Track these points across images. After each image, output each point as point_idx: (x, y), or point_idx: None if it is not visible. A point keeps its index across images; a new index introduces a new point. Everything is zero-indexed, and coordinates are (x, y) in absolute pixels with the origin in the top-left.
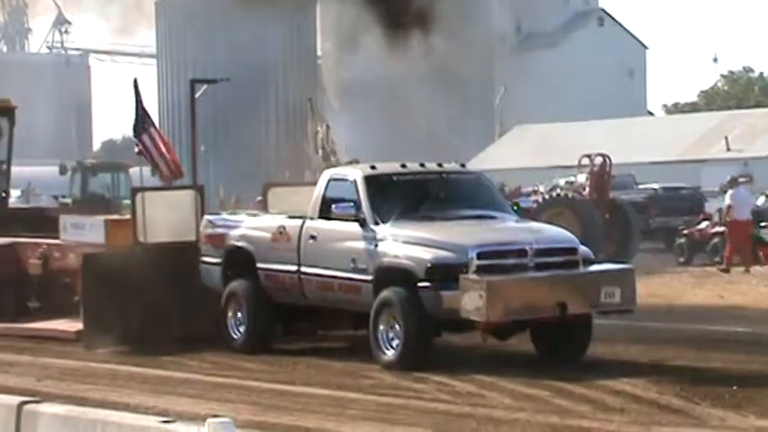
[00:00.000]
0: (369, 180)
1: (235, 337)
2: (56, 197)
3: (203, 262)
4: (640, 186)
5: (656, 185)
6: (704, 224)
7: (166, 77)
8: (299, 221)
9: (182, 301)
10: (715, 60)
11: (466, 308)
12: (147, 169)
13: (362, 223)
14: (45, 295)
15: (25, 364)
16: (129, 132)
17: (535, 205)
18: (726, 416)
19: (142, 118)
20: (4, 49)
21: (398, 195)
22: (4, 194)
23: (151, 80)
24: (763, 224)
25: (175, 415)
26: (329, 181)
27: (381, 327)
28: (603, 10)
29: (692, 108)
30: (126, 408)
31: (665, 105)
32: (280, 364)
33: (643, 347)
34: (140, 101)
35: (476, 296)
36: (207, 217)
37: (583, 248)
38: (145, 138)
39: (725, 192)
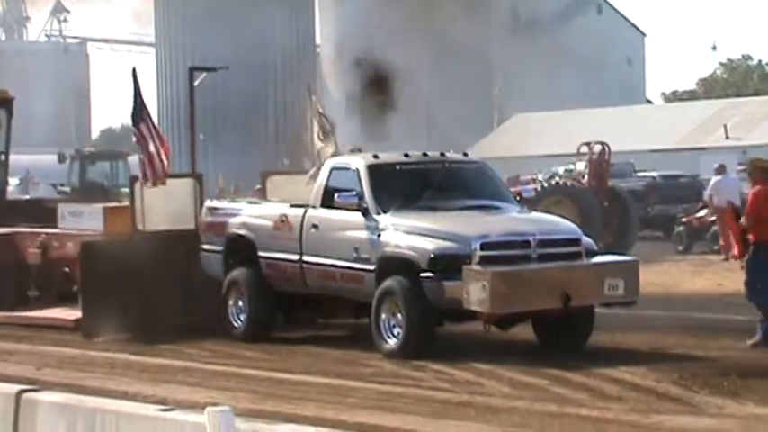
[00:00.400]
0: (371, 169)
1: (236, 325)
2: (54, 185)
3: (204, 250)
4: (639, 174)
5: (654, 173)
6: (703, 212)
7: (165, 66)
8: (302, 210)
9: (180, 290)
10: (714, 48)
11: (469, 299)
12: None
13: (365, 212)
14: (44, 284)
15: (24, 353)
16: (128, 121)
17: (534, 194)
18: (724, 404)
19: (140, 108)
20: (3, 37)
21: (401, 185)
22: (2, 185)
23: (150, 69)
24: None
25: (174, 403)
26: (332, 170)
27: (383, 316)
28: None
29: (690, 96)
30: (124, 396)
31: (663, 93)
32: (279, 352)
33: (642, 336)
34: (139, 90)
35: (479, 287)
36: (208, 204)
37: (586, 240)
38: (143, 127)
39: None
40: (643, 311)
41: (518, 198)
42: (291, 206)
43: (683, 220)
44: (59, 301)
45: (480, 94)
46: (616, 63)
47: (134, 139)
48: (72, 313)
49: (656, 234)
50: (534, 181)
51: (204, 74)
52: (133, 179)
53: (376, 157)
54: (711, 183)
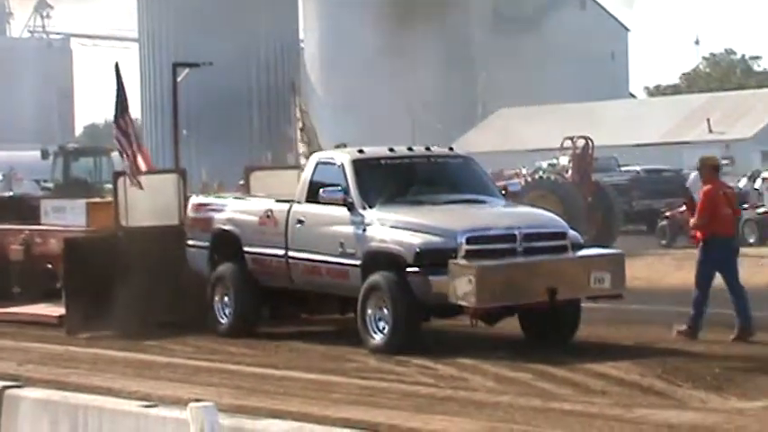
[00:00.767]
0: (357, 164)
1: (221, 321)
2: (38, 182)
3: (190, 245)
4: (623, 169)
5: (638, 168)
6: (683, 207)
7: (148, 61)
8: (287, 205)
9: (164, 285)
10: (697, 43)
11: (455, 293)
12: None
13: (350, 207)
14: (27, 281)
15: (7, 349)
16: (112, 117)
17: (519, 188)
18: (707, 398)
19: (122, 104)
20: None
21: (386, 179)
22: None
23: (133, 64)
24: (745, 206)
25: (158, 399)
26: (317, 164)
27: (369, 311)
28: None
29: (673, 90)
30: (108, 392)
31: (646, 88)
32: (263, 347)
33: (626, 330)
34: (122, 86)
35: (465, 281)
36: (193, 200)
37: (572, 233)
38: (121, 125)
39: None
40: (627, 305)
41: (504, 192)
42: (277, 201)
43: (667, 214)
44: (43, 298)
45: (464, 90)
46: (599, 58)
47: (113, 135)
48: (56, 309)
49: (640, 228)
50: (518, 176)
51: (187, 69)
52: (116, 175)
53: (361, 151)
54: (691, 177)
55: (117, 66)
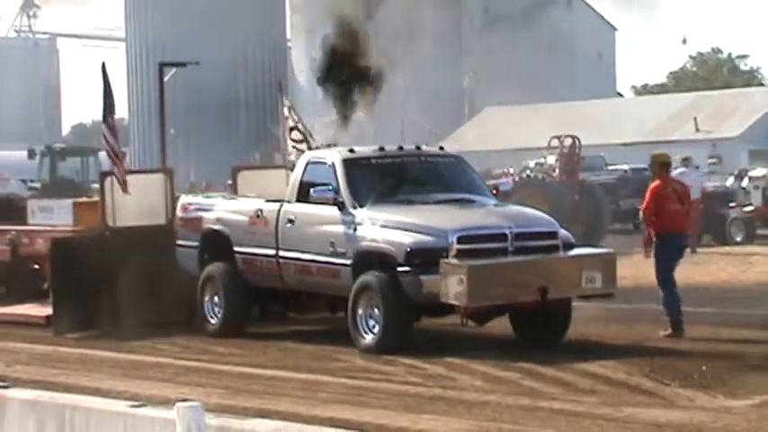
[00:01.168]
0: (347, 163)
1: (211, 321)
2: (24, 181)
3: (180, 246)
4: (610, 168)
5: (625, 167)
6: None
7: (135, 61)
8: (277, 205)
9: (152, 285)
10: (684, 42)
11: (446, 293)
12: None
13: (341, 207)
14: (14, 281)
15: None
16: (99, 117)
17: (510, 187)
18: (695, 396)
19: (109, 105)
20: None
21: (377, 178)
22: None
23: (120, 64)
24: (732, 204)
25: (145, 399)
26: (307, 164)
27: (360, 311)
28: None
29: (661, 89)
30: (96, 392)
31: (634, 87)
32: (251, 347)
33: (613, 329)
34: (109, 85)
35: (456, 281)
36: (183, 200)
37: (563, 232)
38: (110, 122)
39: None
40: (614, 304)
41: (494, 191)
42: (267, 201)
43: None
44: (30, 298)
45: (451, 88)
46: (587, 57)
47: (102, 138)
48: (43, 310)
49: (627, 227)
50: (506, 174)
51: (174, 69)
52: (103, 175)
53: (351, 151)
54: (674, 174)
55: (104, 66)
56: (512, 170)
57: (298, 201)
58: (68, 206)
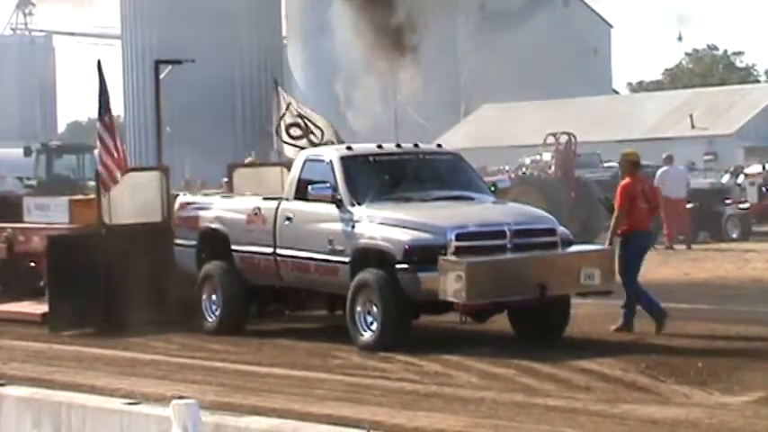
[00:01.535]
0: (345, 161)
1: (209, 319)
2: (21, 179)
3: (177, 244)
4: (606, 164)
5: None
6: None
7: (131, 58)
8: (275, 203)
9: (148, 283)
10: (679, 39)
11: (445, 290)
12: None
13: (339, 204)
14: (10, 279)
15: None
16: (95, 114)
17: (509, 184)
18: (691, 393)
19: (105, 102)
20: None
21: (375, 176)
22: None
23: (116, 61)
24: (728, 201)
25: (141, 397)
26: (305, 162)
27: (359, 308)
28: None
29: (656, 86)
30: (92, 390)
31: (629, 84)
32: (247, 344)
33: (608, 325)
34: (104, 83)
35: (455, 278)
36: (181, 199)
37: (561, 229)
38: (106, 120)
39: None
40: (609, 301)
41: (492, 188)
42: (265, 199)
43: None
44: (26, 296)
45: (447, 85)
46: (582, 54)
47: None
48: (39, 307)
49: None
50: (501, 172)
51: (170, 66)
52: (99, 172)
53: (349, 148)
54: (658, 173)
55: (99, 63)
56: (507, 167)
57: (296, 198)
58: (64, 204)
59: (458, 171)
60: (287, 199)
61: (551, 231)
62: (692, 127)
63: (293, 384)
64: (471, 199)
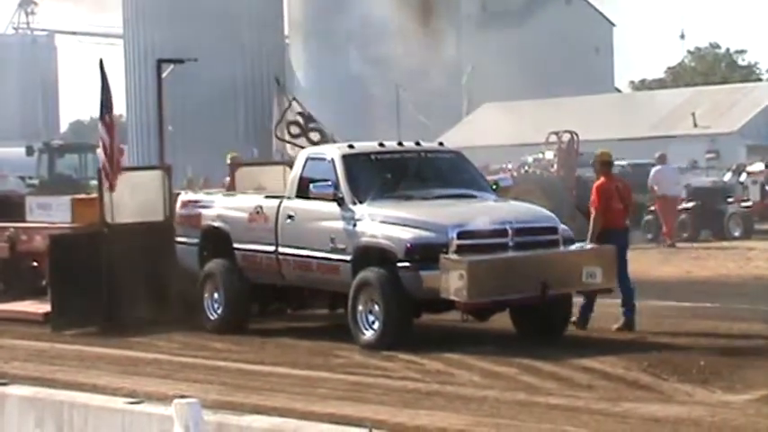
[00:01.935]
0: (347, 159)
1: (211, 318)
2: (23, 178)
3: (179, 242)
4: None
5: (624, 162)
6: None
7: (133, 58)
8: (277, 201)
9: (150, 282)
10: (682, 37)
11: (446, 288)
12: None
13: (341, 203)
14: (12, 278)
15: None
16: (97, 113)
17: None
18: (693, 391)
19: (106, 102)
20: None
21: (377, 174)
22: None
23: (118, 60)
24: (730, 200)
25: (143, 396)
26: (306, 160)
27: (360, 307)
28: None
29: (659, 85)
30: (94, 389)
31: (632, 82)
32: (249, 343)
33: (611, 324)
34: (106, 82)
35: (456, 276)
36: (182, 197)
37: (563, 228)
38: (107, 120)
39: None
40: (612, 299)
41: (494, 187)
42: (266, 197)
43: (652, 208)
44: (28, 295)
45: (449, 84)
46: (584, 52)
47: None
48: (41, 306)
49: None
50: (503, 170)
51: (172, 65)
52: (101, 171)
53: (351, 146)
54: (652, 172)
55: (101, 62)
56: (510, 166)
57: (297, 197)
58: (66, 203)
59: (459, 169)
60: (289, 197)
61: (553, 230)
62: (695, 125)
63: (295, 383)
64: (473, 197)
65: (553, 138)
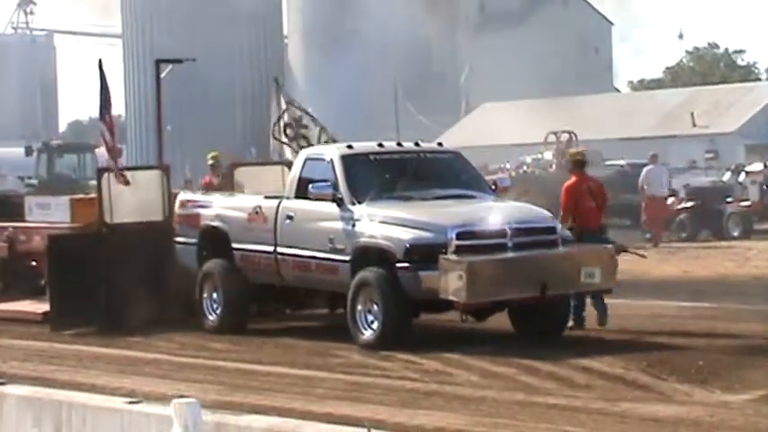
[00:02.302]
0: (346, 159)
1: (210, 318)
2: (22, 178)
3: (178, 242)
4: (607, 163)
5: (623, 162)
6: (670, 200)
7: (132, 58)
8: (276, 201)
9: (148, 282)
10: (680, 37)
11: (445, 289)
12: None
13: (340, 203)
14: (11, 278)
15: None
16: (96, 113)
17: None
18: (692, 391)
19: (105, 102)
20: None
21: (376, 175)
22: None
23: (117, 60)
24: (729, 200)
25: (142, 395)
26: (305, 160)
27: (359, 307)
28: None
29: (657, 84)
30: (93, 388)
31: (630, 82)
32: (247, 343)
33: (610, 324)
34: (105, 82)
35: (455, 277)
36: (181, 197)
37: (561, 228)
38: (107, 119)
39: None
40: (611, 299)
41: (493, 187)
42: (265, 197)
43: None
44: (27, 295)
45: (447, 84)
46: (583, 52)
47: (100, 135)
48: (40, 306)
49: (624, 222)
50: (502, 170)
51: (170, 65)
52: (100, 171)
53: (350, 147)
54: (643, 172)
55: (100, 62)
56: (508, 166)
57: (296, 197)
58: (65, 203)
59: (458, 170)
60: (288, 197)
61: (552, 230)
62: (694, 125)
63: (294, 383)
64: (472, 198)
65: (552, 138)
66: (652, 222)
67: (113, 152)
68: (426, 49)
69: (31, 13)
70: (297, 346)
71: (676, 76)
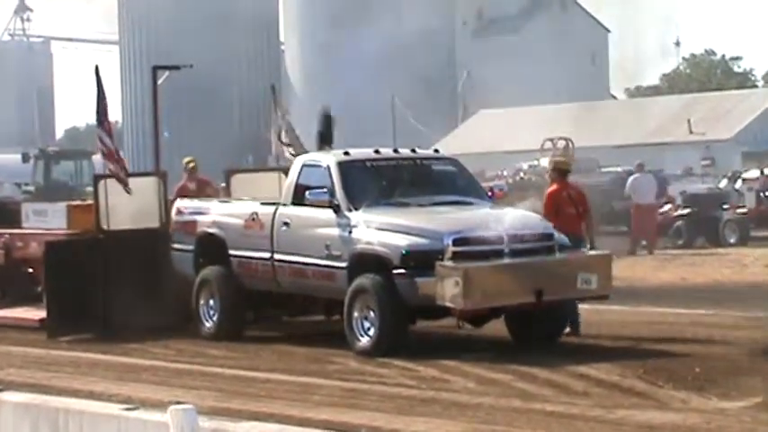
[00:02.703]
0: (342, 166)
1: (207, 324)
2: (19, 185)
3: (175, 249)
4: (604, 170)
5: (619, 168)
6: (667, 207)
7: (129, 64)
8: (272, 208)
9: (146, 288)
10: (677, 44)
11: (442, 295)
12: None
13: (336, 209)
14: (8, 285)
15: None
16: (93, 120)
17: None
18: (688, 398)
19: (103, 108)
20: None
21: (372, 181)
22: None
23: (114, 67)
24: (726, 206)
25: (139, 402)
26: (302, 167)
27: (356, 314)
28: None
29: (654, 92)
30: (90, 395)
31: (627, 89)
32: (245, 350)
33: (606, 331)
34: (102, 88)
35: (452, 283)
36: (178, 203)
37: (558, 234)
38: (105, 126)
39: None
40: (608, 306)
41: (490, 194)
42: (262, 204)
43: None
44: (24, 302)
45: (444, 91)
46: (580, 59)
47: (98, 141)
48: (37, 313)
49: (621, 229)
50: (499, 177)
51: (167, 72)
52: (97, 178)
53: (347, 153)
54: (629, 181)
55: (97, 69)
56: (505, 173)
57: (293, 203)
58: (62, 209)
59: (455, 176)
60: (284, 204)
61: (548, 236)
62: (690, 132)
63: (291, 390)
64: (469, 204)
65: (548, 144)
66: (639, 230)
67: (119, 159)
68: (424, 56)
69: (28, 19)
70: (294, 352)
71: (673, 83)
